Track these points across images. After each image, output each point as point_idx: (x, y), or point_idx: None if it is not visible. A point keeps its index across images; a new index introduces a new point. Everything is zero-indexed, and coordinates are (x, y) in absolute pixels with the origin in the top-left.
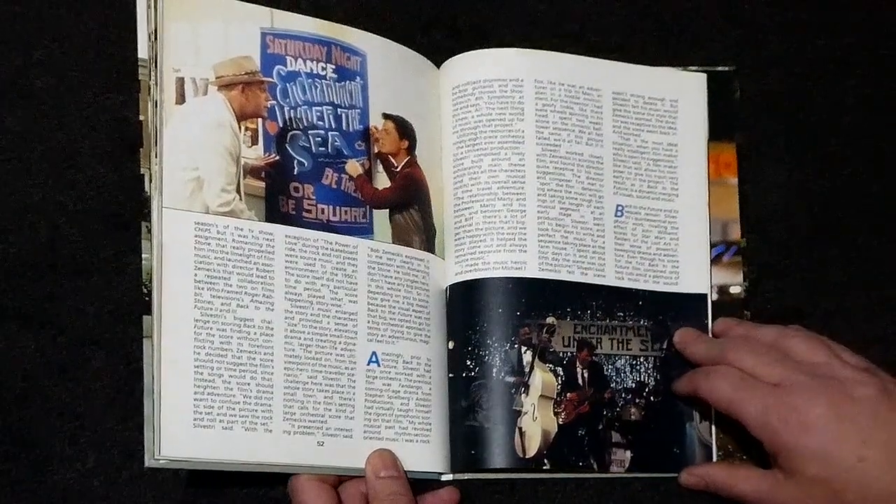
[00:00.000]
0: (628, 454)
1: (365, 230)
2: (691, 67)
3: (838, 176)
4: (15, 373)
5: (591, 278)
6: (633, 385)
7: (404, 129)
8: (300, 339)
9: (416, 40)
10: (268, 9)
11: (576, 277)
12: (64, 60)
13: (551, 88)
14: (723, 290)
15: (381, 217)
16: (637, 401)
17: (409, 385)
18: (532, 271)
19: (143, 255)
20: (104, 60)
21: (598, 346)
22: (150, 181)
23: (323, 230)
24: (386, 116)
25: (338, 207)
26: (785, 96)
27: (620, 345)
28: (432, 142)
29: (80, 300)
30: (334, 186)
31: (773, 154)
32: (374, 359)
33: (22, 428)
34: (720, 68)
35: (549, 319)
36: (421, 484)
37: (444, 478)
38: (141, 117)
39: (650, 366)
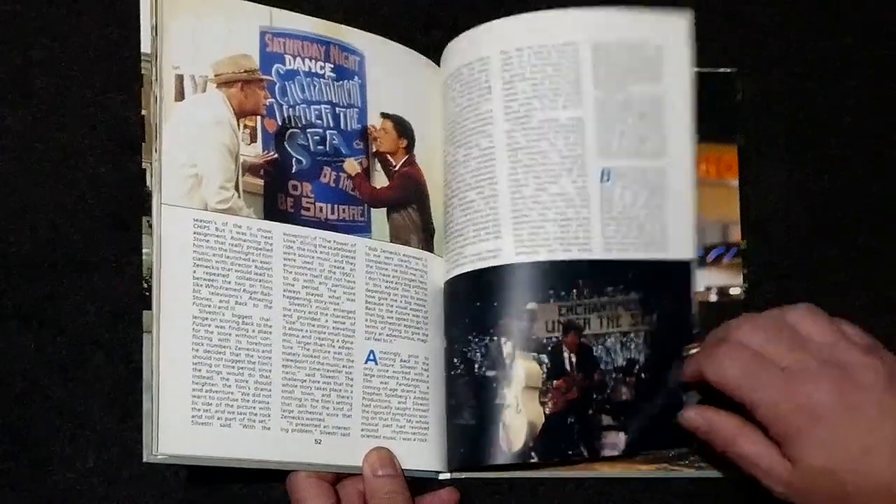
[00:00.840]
0: (622, 436)
1: (363, 229)
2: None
3: (838, 176)
4: (15, 372)
5: (575, 254)
6: (624, 363)
7: (403, 129)
8: (298, 336)
9: (417, 40)
10: (267, 7)
11: (557, 256)
12: (64, 60)
13: (518, 56)
14: (723, 291)
15: (379, 216)
16: (628, 379)
17: (406, 384)
18: (508, 257)
19: (144, 251)
20: (104, 60)
21: (587, 327)
22: (152, 176)
23: (321, 228)
24: (384, 116)
25: (336, 206)
26: (785, 97)
27: (610, 322)
28: (431, 141)
29: (80, 299)
30: (332, 185)
31: (773, 155)
32: (371, 357)
33: (22, 427)
34: (721, 70)
35: (530, 306)
36: (421, 484)
37: (441, 477)
38: (143, 112)
39: (641, 341)
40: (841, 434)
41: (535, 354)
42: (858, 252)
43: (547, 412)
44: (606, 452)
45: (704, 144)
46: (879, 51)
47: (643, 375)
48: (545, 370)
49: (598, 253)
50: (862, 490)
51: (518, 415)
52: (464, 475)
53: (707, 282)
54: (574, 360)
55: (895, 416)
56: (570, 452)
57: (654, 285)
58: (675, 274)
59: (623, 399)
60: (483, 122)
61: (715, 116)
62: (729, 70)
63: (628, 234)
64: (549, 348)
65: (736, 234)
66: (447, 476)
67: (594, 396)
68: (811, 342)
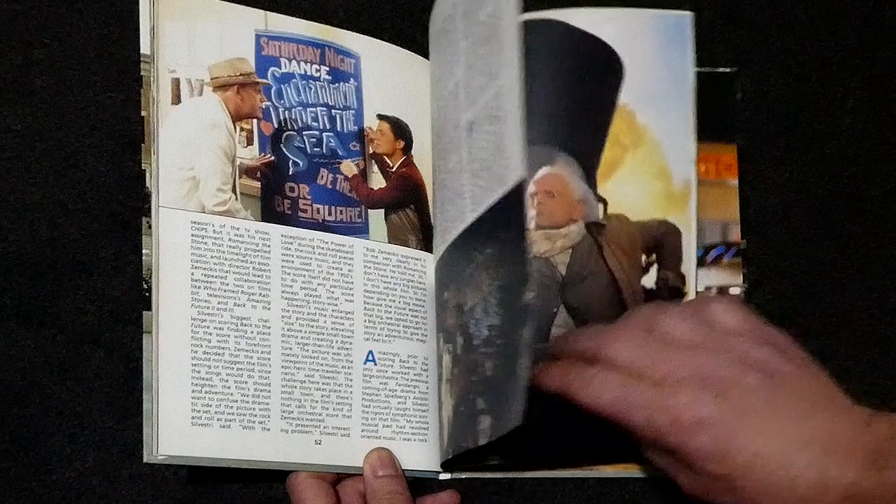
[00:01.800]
0: (488, 420)
1: (360, 230)
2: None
3: (838, 177)
4: (14, 372)
5: (459, 227)
6: (488, 332)
7: (400, 130)
8: (297, 337)
9: (417, 41)
10: (262, 11)
11: (453, 235)
12: (64, 59)
13: (476, 29)
14: (723, 291)
15: (376, 217)
16: (489, 351)
17: (405, 384)
18: (439, 249)
19: (144, 251)
20: (104, 59)
21: (466, 302)
22: (151, 177)
23: (319, 230)
24: (381, 117)
25: (333, 207)
26: (785, 97)
27: (475, 290)
28: (429, 141)
29: (80, 299)
30: (329, 186)
31: (773, 155)
32: (370, 357)
33: (21, 427)
34: (721, 69)
35: (446, 295)
36: (421, 485)
37: (441, 477)
38: (143, 113)
39: (496, 301)
40: (729, 440)
41: (449, 345)
42: (858, 253)
43: (452, 404)
44: (480, 441)
45: (704, 144)
46: (879, 51)
47: (498, 342)
48: (451, 360)
49: (469, 217)
50: (759, 492)
51: (443, 411)
52: (464, 475)
53: (707, 281)
54: (462, 341)
55: (786, 416)
56: (463, 444)
57: (498, 228)
58: (508, 204)
59: (488, 375)
60: (455, 124)
61: (715, 116)
62: (729, 70)
63: (480, 181)
64: (455, 335)
65: (736, 234)
66: (447, 476)
67: (471, 378)
68: (684, 345)
